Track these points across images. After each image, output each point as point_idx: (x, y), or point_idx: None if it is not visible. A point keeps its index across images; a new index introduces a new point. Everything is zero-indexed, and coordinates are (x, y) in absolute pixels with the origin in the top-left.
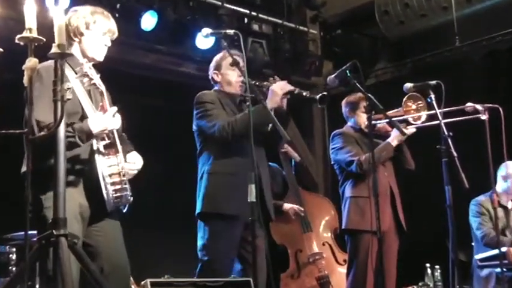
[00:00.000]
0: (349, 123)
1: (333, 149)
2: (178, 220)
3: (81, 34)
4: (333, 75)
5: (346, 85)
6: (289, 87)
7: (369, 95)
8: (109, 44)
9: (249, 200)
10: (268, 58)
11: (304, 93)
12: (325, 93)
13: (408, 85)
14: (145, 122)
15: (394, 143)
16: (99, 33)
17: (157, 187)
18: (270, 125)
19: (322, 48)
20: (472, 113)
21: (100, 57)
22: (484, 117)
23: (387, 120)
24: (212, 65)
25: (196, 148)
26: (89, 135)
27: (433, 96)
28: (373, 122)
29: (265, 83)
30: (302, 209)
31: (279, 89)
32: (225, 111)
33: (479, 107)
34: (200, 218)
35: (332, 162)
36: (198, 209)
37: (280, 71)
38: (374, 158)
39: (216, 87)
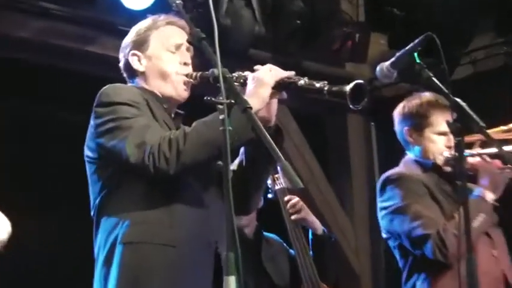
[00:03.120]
0: (412, 155)
1: (385, 209)
2: None
3: None
4: (387, 62)
5: (413, 80)
6: (286, 74)
7: (458, 100)
8: None
9: None
10: (261, 28)
11: (317, 85)
12: (360, 81)
13: None
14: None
15: (494, 196)
16: None
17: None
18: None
19: (366, 10)
20: None
21: None
22: None
23: (492, 151)
24: (129, 40)
25: (93, 195)
26: None
27: None
28: (466, 153)
29: (243, 74)
30: None
31: (267, 76)
32: (158, 123)
33: None
34: None
35: (384, 236)
36: None
37: (284, 52)
38: (469, 233)
39: (132, 83)
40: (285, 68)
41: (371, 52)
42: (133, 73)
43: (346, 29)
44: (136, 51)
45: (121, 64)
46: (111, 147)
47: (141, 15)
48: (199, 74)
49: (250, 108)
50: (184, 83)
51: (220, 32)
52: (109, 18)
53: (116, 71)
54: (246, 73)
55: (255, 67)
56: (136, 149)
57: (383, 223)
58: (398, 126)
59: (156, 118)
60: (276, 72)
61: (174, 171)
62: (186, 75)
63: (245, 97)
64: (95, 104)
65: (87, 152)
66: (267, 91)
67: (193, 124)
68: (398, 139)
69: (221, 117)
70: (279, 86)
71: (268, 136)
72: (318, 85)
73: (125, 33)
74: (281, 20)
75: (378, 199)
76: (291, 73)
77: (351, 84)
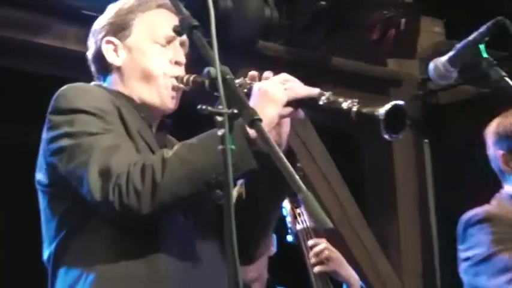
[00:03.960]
0: (509, 188)
1: (467, 259)
2: None
3: None
4: (443, 57)
5: (479, 81)
6: (306, 91)
7: None
8: None
9: None
10: (273, 12)
11: (343, 104)
12: (400, 102)
13: None
14: None
15: None
16: None
17: None
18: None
19: None
20: None
21: None
22: None
23: None
24: (104, 22)
25: (47, 237)
26: None
27: None
28: None
29: (247, 81)
30: None
31: (279, 91)
32: (132, 139)
33: None
34: None
35: None
36: None
37: (304, 44)
38: None
39: (102, 82)
40: (306, 66)
41: (422, 44)
42: (105, 67)
43: (388, 12)
44: (112, 38)
45: (89, 54)
46: (66, 174)
47: None
48: (192, 77)
49: (260, 120)
50: (174, 89)
51: (218, 18)
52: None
53: (79, 69)
54: (250, 82)
55: (264, 74)
56: (98, 180)
57: (466, 278)
58: (491, 150)
59: (130, 134)
60: (293, 87)
61: (147, 210)
62: (176, 79)
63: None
64: (49, 110)
65: (38, 176)
66: (275, 110)
67: (176, 147)
68: (492, 166)
69: (220, 132)
70: (296, 103)
71: (285, 159)
72: (344, 105)
73: (91, 19)
74: (299, 1)
75: (459, 247)
76: (314, 91)
77: (387, 106)
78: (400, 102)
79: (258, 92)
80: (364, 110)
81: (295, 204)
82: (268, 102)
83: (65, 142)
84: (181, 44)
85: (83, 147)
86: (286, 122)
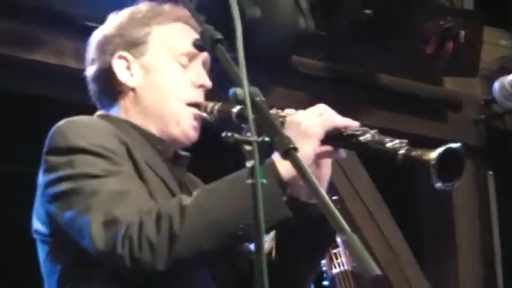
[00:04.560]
0: None
1: None
2: None
3: None
4: (510, 75)
5: None
6: (346, 123)
7: None
8: None
9: None
10: (308, 21)
11: (388, 145)
12: (455, 146)
13: None
14: None
15: None
16: None
17: None
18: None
19: None
20: None
21: None
22: None
23: None
24: (114, 32)
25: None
26: None
27: None
28: None
29: (281, 113)
30: None
31: (315, 123)
32: (143, 180)
33: None
34: None
35: None
36: None
37: (345, 59)
38: None
39: (109, 110)
40: (348, 85)
41: (485, 59)
42: (112, 88)
43: (445, 21)
44: (126, 54)
45: (92, 72)
46: (66, 222)
47: (117, 3)
48: (218, 106)
49: (296, 150)
50: (196, 118)
51: (245, 29)
52: (66, 8)
53: (80, 92)
54: (286, 111)
55: (286, 111)
56: (103, 230)
57: None
58: None
59: (141, 174)
60: (330, 118)
61: (163, 265)
62: (199, 106)
63: (275, 155)
64: (44, 150)
65: (36, 225)
66: (311, 146)
67: (195, 193)
68: None
69: (249, 164)
70: (333, 140)
71: (326, 196)
72: (390, 145)
73: (93, 31)
74: (339, 9)
75: None
76: (353, 123)
77: (439, 150)
78: (456, 145)
79: (291, 125)
80: (413, 154)
81: (332, 244)
82: (302, 136)
83: (63, 186)
84: (204, 63)
85: (84, 193)
86: (327, 163)
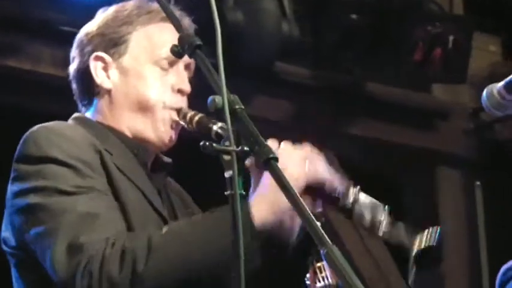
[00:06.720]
0: None
1: None
2: None
3: None
4: (500, 83)
5: None
6: (331, 178)
7: None
8: None
9: None
10: (292, 27)
11: (367, 217)
12: (435, 243)
13: None
14: None
15: None
16: None
17: None
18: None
19: None
20: None
21: None
22: None
23: None
24: (93, 31)
25: None
26: None
27: None
28: None
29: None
30: None
31: (297, 171)
32: (117, 192)
33: None
34: None
35: None
36: None
37: (333, 67)
38: None
39: (86, 111)
40: (335, 94)
41: (474, 65)
42: (90, 88)
43: (433, 27)
44: (103, 54)
45: (72, 70)
46: (31, 240)
47: (95, 8)
48: (198, 117)
49: (276, 160)
50: (173, 124)
51: (227, 34)
52: (43, 13)
53: (57, 99)
54: (269, 143)
55: (281, 147)
56: (66, 257)
57: None
58: None
59: (114, 186)
60: (316, 170)
61: None
62: (178, 112)
63: (252, 199)
64: (15, 156)
65: (4, 234)
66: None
67: (165, 228)
68: None
69: (227, 174)
70: (313, 195)
71: (306, 208)
72: (368, 218)
73: (71, 37)
74: (326, 14)
75: None
76: (336, 181)
77: (421, 245)
78: (436, 242)
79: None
80: (393, 234)
81: (315, 258)
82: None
83: (31, 200)
84: (186, 67)
85: (52, 210)
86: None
